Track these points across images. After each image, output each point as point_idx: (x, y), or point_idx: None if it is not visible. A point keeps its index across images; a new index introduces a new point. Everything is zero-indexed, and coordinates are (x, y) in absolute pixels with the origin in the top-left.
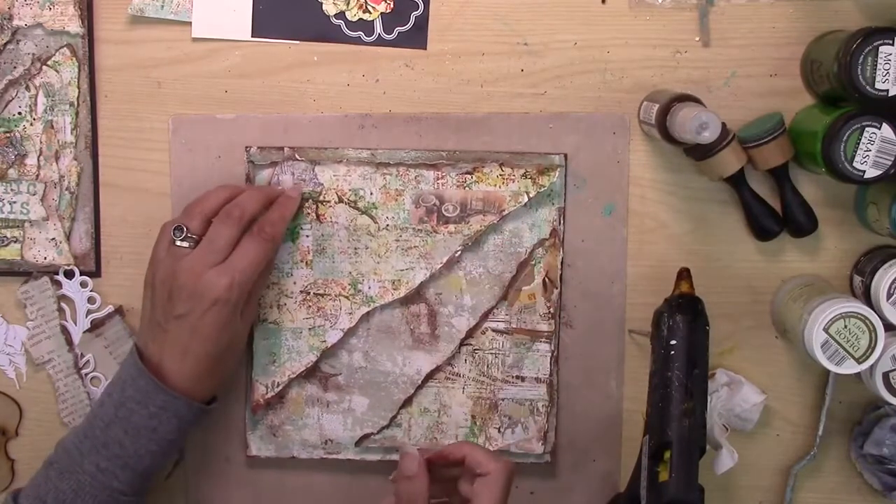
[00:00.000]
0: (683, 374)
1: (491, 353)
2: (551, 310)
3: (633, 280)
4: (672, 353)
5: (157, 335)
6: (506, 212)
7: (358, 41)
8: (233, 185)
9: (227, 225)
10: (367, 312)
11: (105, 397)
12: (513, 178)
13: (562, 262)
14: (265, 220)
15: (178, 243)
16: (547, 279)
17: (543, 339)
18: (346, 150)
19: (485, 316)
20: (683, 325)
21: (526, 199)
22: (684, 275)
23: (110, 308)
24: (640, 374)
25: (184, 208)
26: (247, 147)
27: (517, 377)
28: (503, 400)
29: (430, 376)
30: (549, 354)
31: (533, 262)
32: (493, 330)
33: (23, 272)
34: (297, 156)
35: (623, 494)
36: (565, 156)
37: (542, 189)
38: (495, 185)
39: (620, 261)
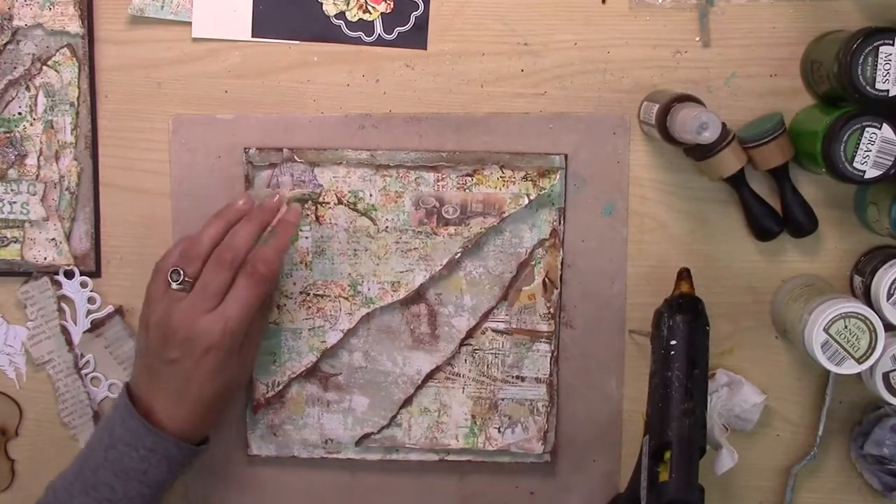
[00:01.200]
0: (683, 374)
1: (491, 353)
2: (551, 310)
3: (633, 280)
4: (672, 353)
5: (151, 377)
6: (506, 214)
7: (358, 41)
8: (231, 207)
9: (219, 269)
10: (368, 313)
11: (95, 439)
12: (513, 180)
13: (562, 263)
14: (258, 257)
15: (174, 287)
16: (547, 279)
17: (543, 340)
18: (345, 151)
19: (485, 316)
20: (683, 325)
21: (526, 202)
22: (684, 275)
23: (110, 308)
24: (640, 374)
25: (181, 248)
26: (245, 148)
27: (517, 377)
28: (503, 400)
29: (430, 376)
30: (549, 354)
31: (533, 263)
32: (493, 330)
33: (23, 272)
34: (296, 157)
35: (623, 494)
36: (565, 156)
37: (543, 191)
38: (495, 188)
39: (620, 261)
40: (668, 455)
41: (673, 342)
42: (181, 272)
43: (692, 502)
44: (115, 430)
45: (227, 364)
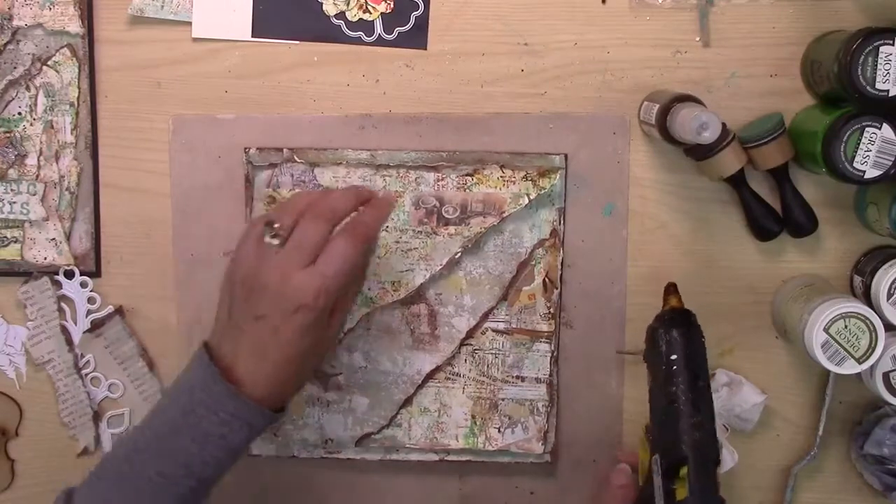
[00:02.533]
0: (688, 387)
1: (491, 353)
2: (551, 310)
3: (633, 280)
4: (674, 367)
5: (234, 335)
6: (506, 214)
7: (358, 41)
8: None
9: (316, 223)
10: (368, 312)
11: (171, 400)
12: (513, 179)
13: (562, 263)
14: (358, 219)
15: (268, 240)
16: (547, 279)
17: (543, 340)
18: (345, 151)
19: (485, 316)
20: (681, 338)
21: (526, 201)
22: (671, 290)
23: (110, 308)
24: (640, 373)
25: (279, 204)
26: (245, 148)
27: (517, 377)
28: (503, 400)
29: (430, 376)
30: (549, 354)
31: (533, 263)
32: (494, 330)
33: (23, 272)
34: (296, 157)
35: None
36: (565, 156)
37: (543, 191)
38: (496, 187)
39: (620, 261)
40: (683, 471)
41: (673, 357)
42: (276, 224)
43: None
44: (195, 392)
45: (316, 326)
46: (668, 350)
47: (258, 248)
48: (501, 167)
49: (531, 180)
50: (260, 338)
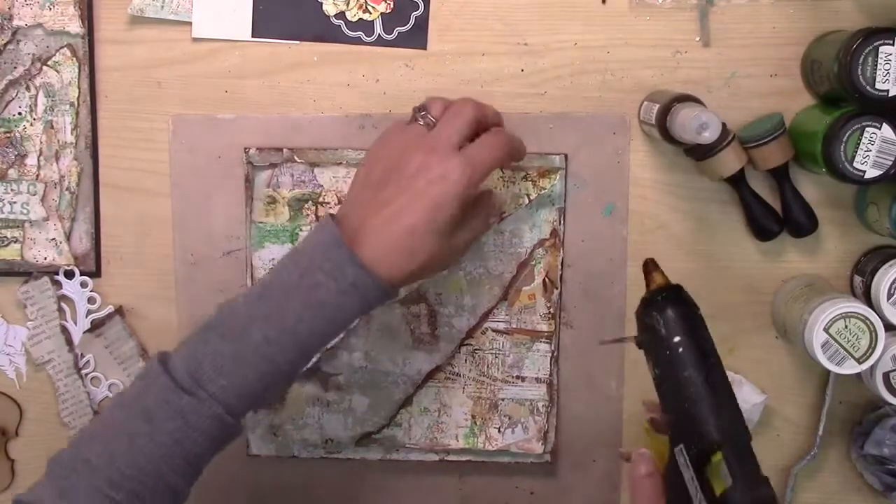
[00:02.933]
0: (699, 369)
1: (491, 353)
2: (551, 310)
3: (633, 280)
4: (680, 350)
5: (366, 199)
6: (506, 214)
7: (358, 41)
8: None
9: (464, 118)
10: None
11: (288, 264)
12: (513, 180)
13: (562, 263)
14: (504, 131)
15: (419, 120)
16: (547, 279)
17: (543, 340)
18: (345, 151)
19: (485, 316)
20: (679, 318)
21: (526, 202)
22: (652, 266)
23: (110, 308)
24: (640, 373)
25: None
26: (245, 148)
27: (517, 377)
28: (503, 400)
29: (430, 376)
30: (549, 354)
31: (533, 263)
32: (494, 330)
33: (23, 272)
34: (296, 157)
35: None
36: (565, 156)
37: (543, 191)
38: (495, 187)
39: (620, 261)
40: (716, 458)
41: (676, 339)
42: (424, 112)
43: (771, 498)
44: (316, 257)
45: (449, 211)
46: (669, 333)
47: (405, 129)
48: (501, 168)
49: (531, 181)
50: (393, 198)
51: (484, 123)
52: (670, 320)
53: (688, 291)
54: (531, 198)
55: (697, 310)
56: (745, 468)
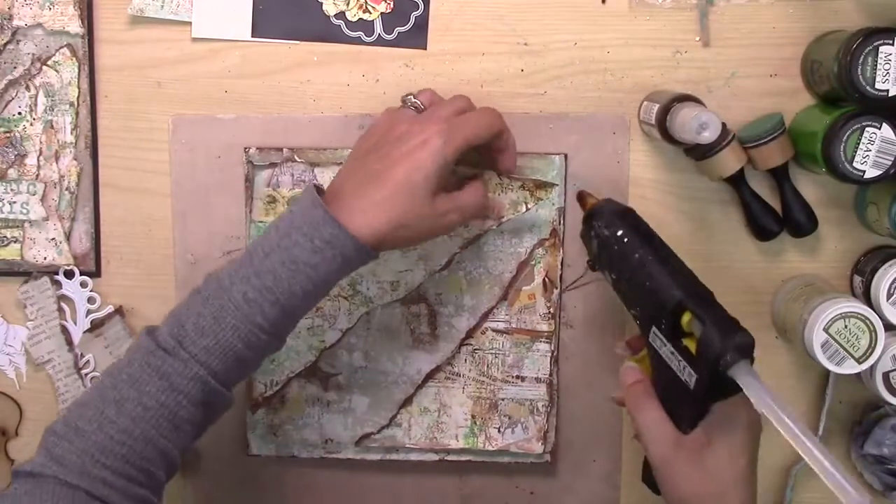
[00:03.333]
0: (647, 249)
1: (491, 353)
2: (551, 310)
3: None
4: (625, 239)
5: (349, 165)
6: (504, 219)
7: (358, 41)
8: None
9: (451, 102)
10: (367, 312)
11: (271, 228)
12: (510, 187)
13: (562, 262)
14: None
15: (408, 104)
16: (547, 279)
17: (543, 339)
18: (345, 151)
19: (485, 316)
20: (616, 215)
21: (524, 209)
22: (585, 193)
23: (110, 308)
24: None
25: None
26: (245, 148)
27: (517, 377)
28: (503, 400)
29: (430, 376)
30: (549, 354)
31: (533, 262)
32: (493, 330)
33: (23, 272)
34: (296, 157)
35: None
36: (565, 156)
37: (540, 202)
38: (494, 192)
39: None
40: (686, 318)
41: (619, 232)
42: (416, 96)
43: (748, 337)
44: (295, 218)
45: (429, 176)
46: (612, 229)
47: (394, 112)
48: (498, 174)
49: (528, 190)
50: (374, 164)
51: (468, 107)
52: (610, 217)
53: None
54: (529, 206)
55: (631, 209)
56: (714, 314)
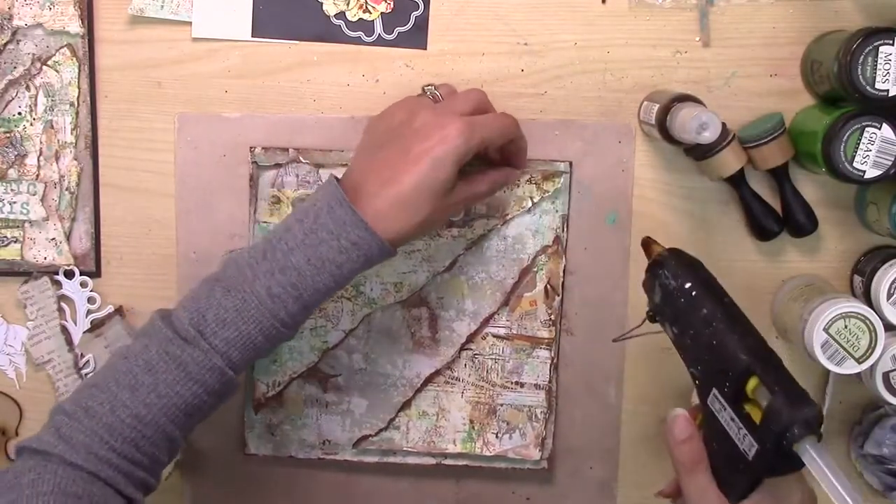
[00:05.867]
0: (716, 303)
1: (491, 359)
2: (552, 317)
3: (634, 283)
4: (693, 294)
5: (367, 156)
6: (510, 216)
7: (358, 41)
8: None
9: (469, 98)
10: (368, 314)
11: (293, 221)
12: (517, 182)
13: (564, 270)
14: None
15: (427, 94)
16: (549, 286)
17: (544, 346)
18: (350, 152)
19: (486, 321)
20: (685, 266)
21: (530, 205)
22: (650, 241)
23: (110, 308)
24: (640, 382)
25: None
26: (251, 148)
27: (516, 383)
28: (502, 405)
29: (429, 380)
30: (549, 361)
31: (535, 269)
32: (494, 335)
33: (23, 272)
34: (301, 158)
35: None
36: (570, 163)
37: (547, 195)
38: (500, 190)
39: (622, 269)
40: (752, 384)
41: (687, 285)
42: (436, 87)
43: (816, 411)
44: (321, 216)
45: (447, 167)
46: (680, 281)
47: (413, 99)
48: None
49: (535, 183)
50: (392, 156)
51: (488, 105)
52: (679, 269)
53: None
54: (535, 201)
55: (700, 262)
56: (784, 383)
